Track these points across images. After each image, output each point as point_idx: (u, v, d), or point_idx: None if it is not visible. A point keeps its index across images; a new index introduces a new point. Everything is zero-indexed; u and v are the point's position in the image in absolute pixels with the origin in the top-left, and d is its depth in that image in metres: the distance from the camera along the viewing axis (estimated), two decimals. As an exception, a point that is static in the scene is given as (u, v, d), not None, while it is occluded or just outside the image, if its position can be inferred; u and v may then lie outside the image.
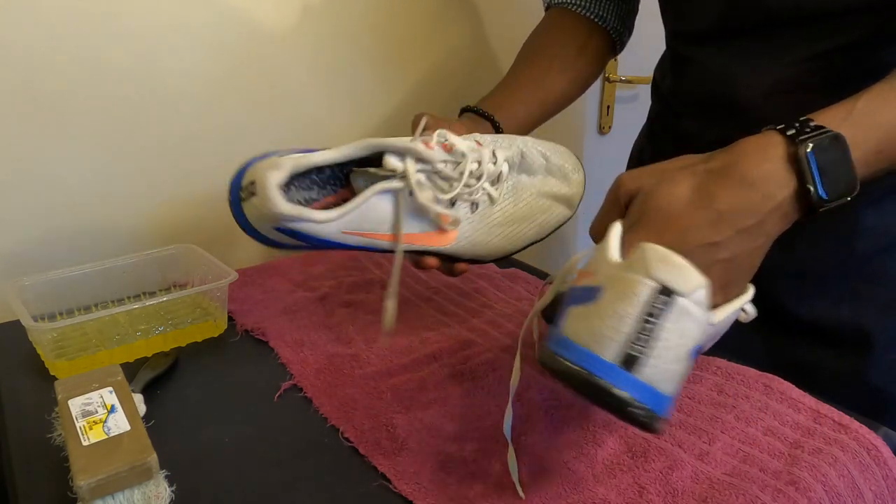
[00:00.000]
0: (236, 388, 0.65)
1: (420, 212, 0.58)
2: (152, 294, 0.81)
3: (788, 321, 0.73)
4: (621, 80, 1.42)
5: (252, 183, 0.53)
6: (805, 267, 0.71)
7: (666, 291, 0.42)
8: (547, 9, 0.88)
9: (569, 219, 0.69)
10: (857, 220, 0.68)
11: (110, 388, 0.54)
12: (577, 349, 0.43)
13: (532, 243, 0.68)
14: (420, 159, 0.57)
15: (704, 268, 0.43)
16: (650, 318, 0.41)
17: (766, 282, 0.73)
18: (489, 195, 0.62)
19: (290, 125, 0.98)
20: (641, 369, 0.41)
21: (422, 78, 1.09)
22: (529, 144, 0.66)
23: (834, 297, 0.71)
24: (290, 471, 0.54)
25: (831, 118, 0.49)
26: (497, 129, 0.75)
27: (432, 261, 0.62)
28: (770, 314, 0.74)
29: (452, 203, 0.60)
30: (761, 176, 0.46)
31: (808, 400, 0.59)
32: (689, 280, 0.42)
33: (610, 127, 1.45)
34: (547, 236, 0.68)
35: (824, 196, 0.46)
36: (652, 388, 0.42)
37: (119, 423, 0.51)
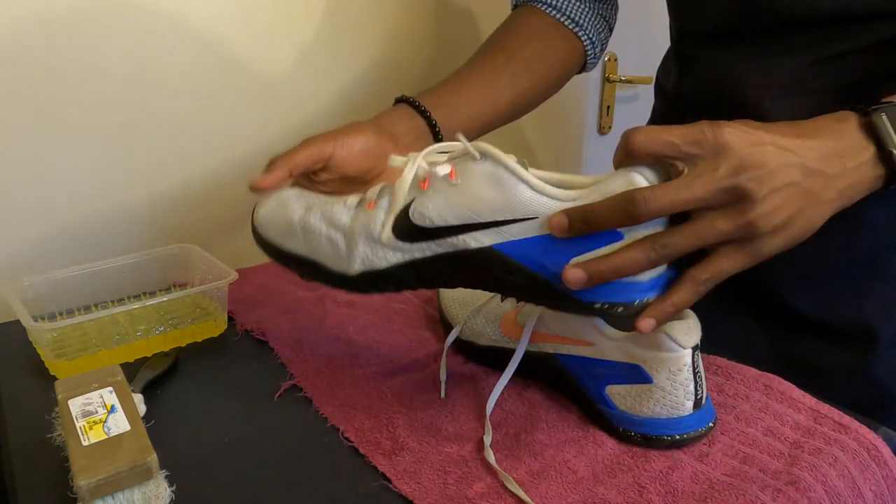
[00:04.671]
0: (236, 388, 0.65)
1: None
2: (152, 294, 0.81)
3: (792, 317, 0.73)
4: (621, 80, 1.42)
5: None
6: (810, 263, 0.71)
7: None
8: (514, 7, 0.82)
9: None
10: (862, 216, 0.68)
11: (110, 388, 0.54)
12: None
13: None
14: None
15: (783, 180, 0.44)
16: None
17: (770, 277, 0.73)
18: None
19: (290, 124, 0.98)
20: None
21: (420, 74, 1.09)
22: None
23: (838, 294, 0.70)
24: (290, 471, 0.54)
25: None
26: (433, 128, 0.69)
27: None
28: (774, 310, 0.74)
29: None
30: (839, 138, 0.47)
31: (809, 400, 0.59)
32: None
33: (610, 127, 1.45)
34: None
35: None
36: None
37: (119, 423, 0.50)
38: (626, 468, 0.52)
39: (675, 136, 0.44)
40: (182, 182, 0.92)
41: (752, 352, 0.67)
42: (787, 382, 0.61)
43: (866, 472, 0.52)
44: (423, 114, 0.69)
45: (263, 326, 0.74)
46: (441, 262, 0.50)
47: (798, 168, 0.45)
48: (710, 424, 0.55)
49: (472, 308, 0.66)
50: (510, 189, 0.47)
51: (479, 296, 0.67)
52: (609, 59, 1.38)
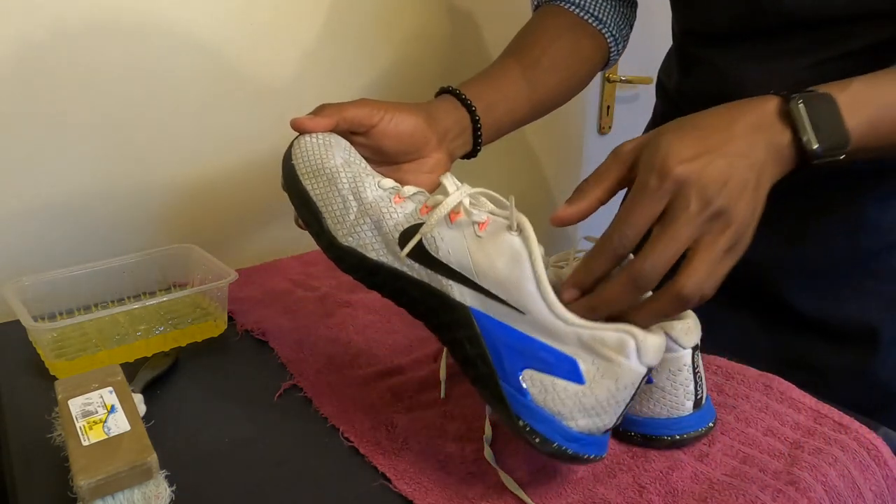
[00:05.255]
0: (236, 388, 0.65)
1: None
2: (152, 294, 0.81)
3: (793, 317, 0.73)
4: (621, 80, 1.42)
5: None
6: (812, 263, 0.71)
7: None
8: (536, 7, 0.83)
9: None
10: (864, 216, 0.68)
11: (110, 388, 0.54)
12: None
13: None
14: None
15: (724, 167, 0.46)
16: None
17: (773, 278, 0.73)
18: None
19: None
20: None
21: (422, 73, 1.09)
22: None
23: (840, 294, 0.70)
24: (290, 471, 0.54)
25: (826, 88, 0.52)
26: (474, 120, 0.69)
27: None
28: (776, 310, 0.74)
29: None
30: (760, 121, 0.50)
31: (809, 400, 0.59)
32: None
33: (610, 127, 1.45)
34: None
35: (817, 147, 0.49)
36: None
37: (119, 423, 0.51)
38: (626, 468, 0.52)
39: (638, 205, 0.46)
40: (182, 182, 0.92)
41: (752, 352, 0.67)
42: (787, 382, 0.61)
43: (866, 472, 0.52)
44: (469, 108, 0.69)
45: (263, 326, 0.74)
46: (418, 288, 0.50)
47: (745, 166, 0.47)
48: (710, 424, 0.55)
49: None
50: (521, 275, 0.47)
51: None
52: (609, 59, 1.38)
